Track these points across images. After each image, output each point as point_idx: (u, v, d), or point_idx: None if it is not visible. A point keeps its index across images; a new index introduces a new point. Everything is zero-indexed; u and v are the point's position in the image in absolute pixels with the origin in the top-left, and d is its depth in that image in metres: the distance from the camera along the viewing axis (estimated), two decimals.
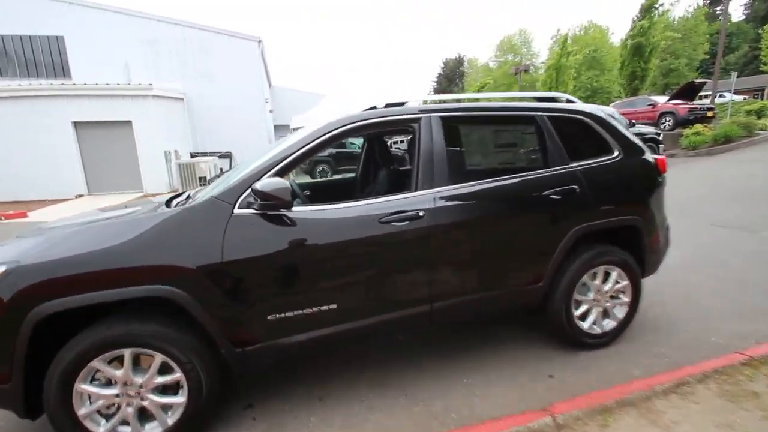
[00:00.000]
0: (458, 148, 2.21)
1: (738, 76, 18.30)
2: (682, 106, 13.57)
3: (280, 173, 1.89)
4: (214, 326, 1.73)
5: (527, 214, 2.24)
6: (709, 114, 13.63)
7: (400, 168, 3.01)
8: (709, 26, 34.95)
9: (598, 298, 2.45)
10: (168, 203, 2.15)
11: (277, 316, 1.83)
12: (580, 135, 2.44)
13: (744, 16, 41.15)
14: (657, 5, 20.90)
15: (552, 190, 2.22)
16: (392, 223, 1.94)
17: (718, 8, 39.67)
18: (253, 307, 1.79)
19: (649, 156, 2.58)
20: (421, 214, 1.98)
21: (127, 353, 1.67)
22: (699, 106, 13.77)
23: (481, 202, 2.15)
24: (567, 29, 34.16)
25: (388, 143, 3.09)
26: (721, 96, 17.49)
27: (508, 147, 2.43)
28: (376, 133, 2.81)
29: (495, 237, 2.18)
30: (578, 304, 2.42)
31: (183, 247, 1.68)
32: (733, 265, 3.78)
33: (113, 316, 1.69)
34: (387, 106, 2.18)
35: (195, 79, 15.86)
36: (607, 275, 2.45)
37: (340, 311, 1.92)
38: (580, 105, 2.53)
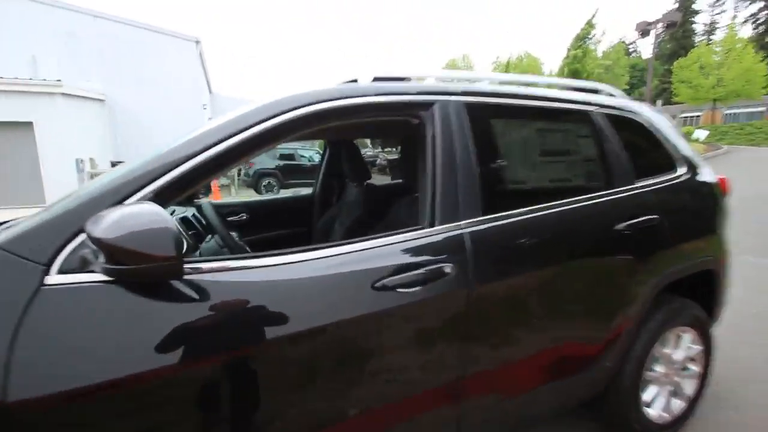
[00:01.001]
0: (494, 155, 1.35)
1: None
2: None
3: (163, 194, 0.90)
4: None
5: (599, 257, 1.47)
6: None
7: (379, 186, 2.13)
8: (628, 60, 38.97)
9: (668, 373, 1.73)
10: None
11: None
12: (638, 143, 1.74)
13: (653, 55, 46.93)
14: (589, 36, 22.86)
15: (627, 222, 1.47)
16: (397, 290, 1.05)
17: (630, 45, 45.47)
18: None
19: (710, 175, 1.96)
20: (447, 269, 1.11)
21: None
22: None
23: (538, 241, 1.33)
24: (508, 56, 36.12)
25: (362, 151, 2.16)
26: None
27: (557, 156, 1.63)
28: (354, 126, 1.89)
29: (557, 297, 1.37)
30: (645, 384, 1.68)
31: None
32: (737, 296, 3.44)
33: None
34: (376, 80, 1.29)
35: (121, 79, 13.90)
36: (677, 340, 1.75)
37: None
38: (629, 101, 1.83)
